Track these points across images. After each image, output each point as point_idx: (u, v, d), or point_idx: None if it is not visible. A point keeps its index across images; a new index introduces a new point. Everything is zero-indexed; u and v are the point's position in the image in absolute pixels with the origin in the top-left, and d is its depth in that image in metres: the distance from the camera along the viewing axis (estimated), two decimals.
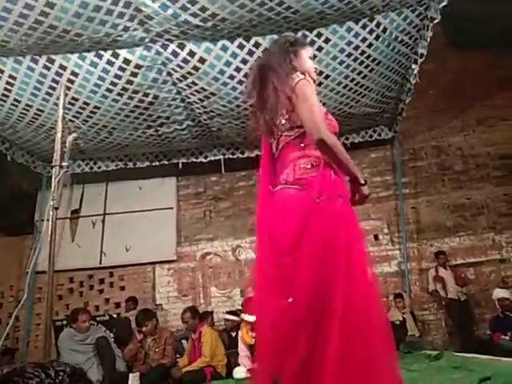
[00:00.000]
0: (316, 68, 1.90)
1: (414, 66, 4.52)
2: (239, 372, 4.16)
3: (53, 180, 2.51)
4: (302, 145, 1.66)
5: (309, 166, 1.62)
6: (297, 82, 1.64)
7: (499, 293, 5.05)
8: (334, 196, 1.56)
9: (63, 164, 2.53)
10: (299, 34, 4.01)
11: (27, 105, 4.53)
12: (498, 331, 4.73)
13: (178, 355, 4.74)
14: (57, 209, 2.51)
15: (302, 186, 1.58)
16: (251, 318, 3.88)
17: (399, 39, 4.27)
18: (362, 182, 1.63)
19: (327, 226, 1.51)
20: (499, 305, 4.98)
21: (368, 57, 4.39)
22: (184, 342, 5.06)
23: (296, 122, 1.65)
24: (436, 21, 3.87)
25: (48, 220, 2.59)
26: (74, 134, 2.58)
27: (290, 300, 1.49)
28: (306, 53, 1.83)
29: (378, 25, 4.07)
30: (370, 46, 4.25)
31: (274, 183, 1.71)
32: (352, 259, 1.49)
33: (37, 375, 0.76)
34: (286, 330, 1.49)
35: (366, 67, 4.54)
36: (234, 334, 4.84)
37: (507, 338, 4.60)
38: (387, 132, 6.14)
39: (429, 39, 4.11)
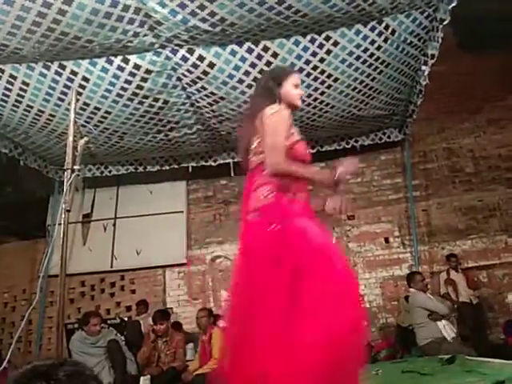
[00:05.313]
0: (302, 94, 2.00)
1: (424, 68, 4.49)
2: None
3: (64, 183, 2.55)
4: (264, 172, 1.78)
5: (265, 194, 1.75)
6: (267, 114, 1.77)
7: None
8: (287, 220, 1.67)
9: (75, 167, 2.56)
10: (308, 37, 4.03)
11: (39, 110, 4.59)
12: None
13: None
14: (69, 211, 2.54)
15: (260, 214, 1.72)
16: None
17: (408, 41, 4.26)
18: (331, 180, 1.73)
19: (281, 250, 1.62)
20: None
21: (377, 59, 4.38)
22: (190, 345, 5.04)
23: (263, 148, 1.80)
24: (445, 22, 3.84)
25: (60, 224, 2.62)
26: (85, 138, 2.61)
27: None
28: (292, 81, 1.93)
29: (386, 27, 4.06)
30: (378, 48, 4.24)
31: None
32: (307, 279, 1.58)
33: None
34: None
35: (375, 69, 4.53)
36: None
37: None
38: (397, 134, 6.10)
39: (440, 40, 4.09)
